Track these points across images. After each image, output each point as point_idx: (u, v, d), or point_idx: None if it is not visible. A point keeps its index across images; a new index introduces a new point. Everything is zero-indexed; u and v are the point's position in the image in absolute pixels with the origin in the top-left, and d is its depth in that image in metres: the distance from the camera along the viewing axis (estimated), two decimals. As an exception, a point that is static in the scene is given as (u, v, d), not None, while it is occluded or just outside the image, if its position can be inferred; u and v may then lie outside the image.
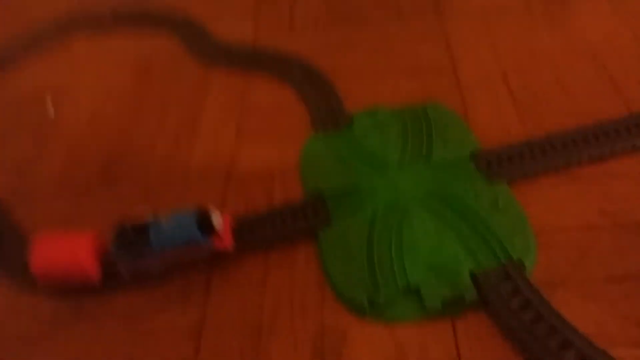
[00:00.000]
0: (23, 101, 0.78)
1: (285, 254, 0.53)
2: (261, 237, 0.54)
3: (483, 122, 0.62)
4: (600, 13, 0.72)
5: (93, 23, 0.90)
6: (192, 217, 0.50)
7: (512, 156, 0.56)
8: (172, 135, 0.68)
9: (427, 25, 0.76)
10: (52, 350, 0.50)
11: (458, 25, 0.75)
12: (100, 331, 0.50)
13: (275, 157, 0.63)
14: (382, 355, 0.45)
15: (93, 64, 0.83)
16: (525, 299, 0.45)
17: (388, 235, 0.52)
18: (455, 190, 0.55)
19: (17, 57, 0.85)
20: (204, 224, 0.50)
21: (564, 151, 0.56)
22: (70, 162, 0.68)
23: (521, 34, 0.72)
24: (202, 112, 0.70)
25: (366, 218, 0.54)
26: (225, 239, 0.52)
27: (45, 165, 0.68)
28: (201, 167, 0.63)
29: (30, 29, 0.90)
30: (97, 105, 0.75)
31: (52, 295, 0.53)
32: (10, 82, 0.82)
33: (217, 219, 0.50)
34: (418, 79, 0.69)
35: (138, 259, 0.51)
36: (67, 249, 0.51)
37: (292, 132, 0.65)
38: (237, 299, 0.50)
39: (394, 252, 0.51)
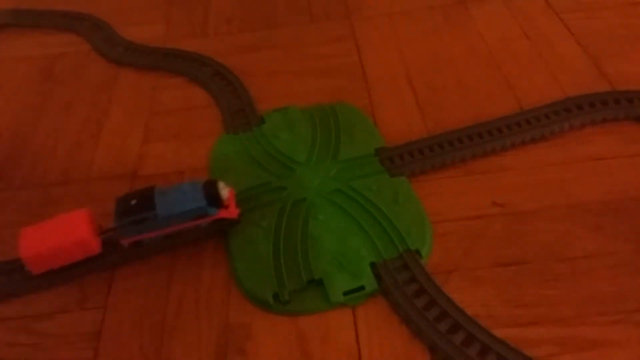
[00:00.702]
0: None
1: (193, 253, 0.53)
2: (168, 238, 0.53)
3: (388, 120, 0.65)
4: (497, 16, 0.77)
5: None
6: (198, 187, 0.51)
7: (413, 152, 0.59)
8: (74, 136, 0.66)
9: (337, 28, 0.79)
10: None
11: (366, 29, 0.78)
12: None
13: (184, 158, 0.62)
14: (285, 346, 0.46)
15: (-5, 64, 0.79)
16: (420, 286, 0.47)
17: (294, 231, 0.53)
18: (360, 186, 0.56)
19: None
20: (210, 195, 0.50)
21: (460, 146, 0.59)
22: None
23: (424, 37, 0.75)
24: (108, 113, 0.69)
25: (274, 215, 0.55)
26: (231, 209, 0.52)
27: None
28: (105, 169, 0.61)
29: None
30: (-3, 106, 0.72)
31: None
32: None
33: (224, 189, 0.51)
34: (328, 79, 0.71)
35: (142, 230, 0.50)
36: (62, 228, 0.50)
37: (202, 133, 0.65)
38: (139, 300, 0.50)
39: (299, 247, 0.52)
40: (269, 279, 0.50)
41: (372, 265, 0.50)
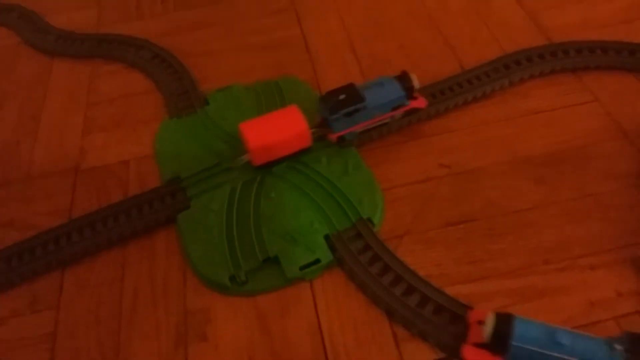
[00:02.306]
0: None
1: (145, 243, 0.52)
2: (117, 230, 0.52)
3: (334, 91, 0.64)
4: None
5: None
6: (392, 80, 0.55)
7: (360, 121, 0.59)
8: (10, 135, 0.64)
9: (276, 1, 0.77)
10: None
11: (306, 0, 0.77)
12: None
13: (128, 147, 0.61)
14: (245, 327, 0.46)
15: None
16: (374, 254, 0.48)
17: (246, 211, 0.53)
18: (309, 160, 0.56)
19: None
20: (406, 86, 0.55)
21: (406, 112, 0.59)
22: None
23: (364, 3, 0.75)
24: (44, 105, 0.66)
25: (224, 196, 0.54)
26: (420, 100, 0.57)
27: None
28: (45, 165, 0.59)
29: None
30: None
31: None
32: None
33: (415, 80, 0.55)
34: (272, 55, 0.70)
35: (351, 122, 0.54)
36: (281, 122, 0.55)
37: (145, 119, 0.64)
38: (92, 296, 0.49)
39: (252, 227, 0.51)
40: (224, 261, 0.49)
41: (326, 237, 0.50)
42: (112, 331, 0.46)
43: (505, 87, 0.61)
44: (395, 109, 0.56)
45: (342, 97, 0.54)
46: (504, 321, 0.38)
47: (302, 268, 0.48)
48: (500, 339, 0.38)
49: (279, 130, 0.54)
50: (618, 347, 0.36)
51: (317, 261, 0.49)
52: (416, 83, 0.55)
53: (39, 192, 0.57)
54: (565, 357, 0.36)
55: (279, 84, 0.65)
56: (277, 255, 0.49)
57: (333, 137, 0.55)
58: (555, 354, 0.36)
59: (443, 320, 0.44)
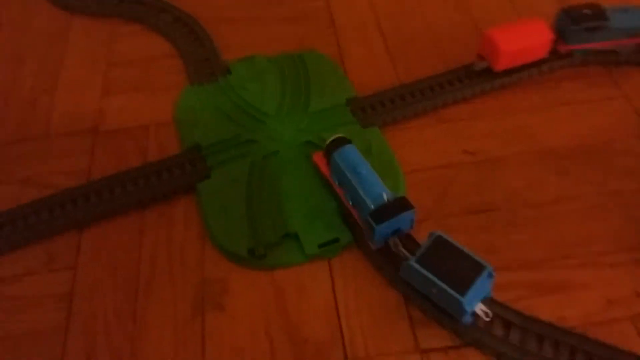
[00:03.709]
0: None
1: (163, 210, 0.52)
2: (135, 194, 0.52)
3: (358, 68, 0.63)
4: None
5: None
6: (638, 9, 0.57)
7: (384, 102, 0.58)
8: (28, 92, 0.62)
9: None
10: None
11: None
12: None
13: (148, 111, 0.60)
14: (262, 300, 0.46)
15: None
16: (394, 236, 0.48)
17: (267, 185, 0.52)
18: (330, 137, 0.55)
19: None
20: None
21: (431, 95, 0.58)
22: None
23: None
24: (62, 64, 0.65)
25: (245, 169, 0.54)
26: None
27: None
28: (64, 124, 0.59)
29: None
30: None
31: None
32: None
33: None
34: (295, 26, 0.69)
35: (589, 38, 0.57)
36: (527, 29, 0.58)
37: (165, 84, 0.63)
38: (110, 259, 0.49)
39: (272, 201, 0.51)
40: (244, 234, 0.49)
41: (347, 216, 0.50)
42: (128, 296, 0.46)
43: (534, 75, 0.60)
44: (632, 37, 0.58)
45: (586, 11, 0.57)
46: (339, 141, 0.50)
47: (321, 246, 0.48)
48: (329, 150, 0.50)
49: (525, 37, 0.58)
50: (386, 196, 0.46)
51: (336, 240, 0.48)
52: None
53: (57, 151, 0.57)
54: (355, 184, 0.47)
55: (303, 58, 0.64)
56: (297, 231, 0.49)
57: (564, 48, 0.59)
58: (348, 176, 0.47)
59: (460, 307, 0.44)
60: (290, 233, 0.49)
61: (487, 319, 0.42)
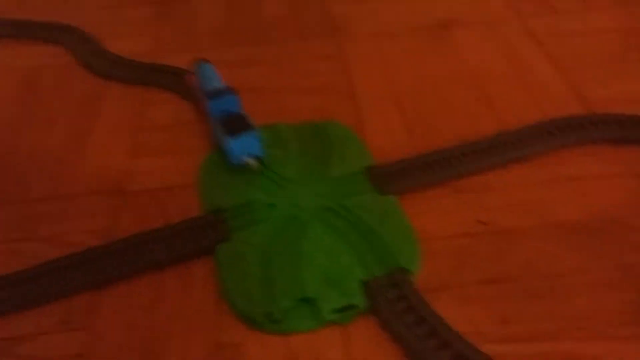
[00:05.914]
0: None
1: (182, 273, 0.53)
2: (156, 256, 0.53)
3: (377, 139, 0.66)
4: (478, 40, 0.80)
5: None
6: None
7: (402, 171, 0.60)
8: (59, 152, 0.66)
9: (326, 47, 0.80)
10: None
11: (354, 49, 0.80)
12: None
13: (172, 175, 0.63)
14: (277, 365, 0.46)
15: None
16: (409, 304, 0.48)
17: (286, 249, 0.54)
18: (350, 204, 0.57)
19: None
20: None
21: (447, 166, 0.61)
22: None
23: (410, 58, 0.77)
24: (93, 126, 0.69)
25: (264, 233, 0.55)
26: None
27: None
28: (90, 184, 0.61)
29: None
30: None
31: None
32: None
33: None
34: (317, 97, 0.72)
35: None
36: None
37: (190, 149, 0.66)
38: (125, 322, 0.49)
39: (290, 265, 0.52)
40: (261, 297, 0.50)
41: (363, 283, 0.51)
42: (142, 358, 0.47)
43: (543, 151, 0.62)
44: None
45: None
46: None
47: (337, 311, 0.49)
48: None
49: None
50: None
51: (353, 306, 0.49)
52: None
53: (81, 209, 0.59)
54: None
55: (325, 128, 0.67)
56: (313, 296, 0.50)
57: None
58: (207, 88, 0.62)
59: (476, 378, 0.44)
60: (307, 298, 0.50)
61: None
